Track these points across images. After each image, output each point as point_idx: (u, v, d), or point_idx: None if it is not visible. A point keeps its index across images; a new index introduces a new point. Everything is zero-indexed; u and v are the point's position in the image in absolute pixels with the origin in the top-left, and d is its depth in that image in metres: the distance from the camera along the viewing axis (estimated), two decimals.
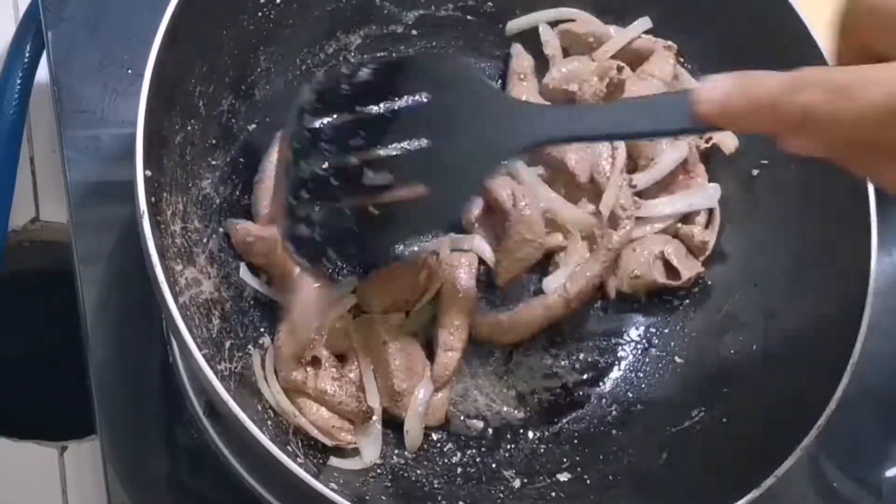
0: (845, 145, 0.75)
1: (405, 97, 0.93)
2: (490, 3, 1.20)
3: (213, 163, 1.06)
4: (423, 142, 0.92)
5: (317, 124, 0.92)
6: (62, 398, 1.32)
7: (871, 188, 1.02)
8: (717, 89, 0.78)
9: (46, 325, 1.45)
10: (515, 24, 1.22)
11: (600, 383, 1.14)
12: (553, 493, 1.05)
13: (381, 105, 0.93)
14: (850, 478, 1.20)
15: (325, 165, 0.92)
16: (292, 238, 0.93)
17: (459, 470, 1.06)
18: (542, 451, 1.09)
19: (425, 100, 0.93)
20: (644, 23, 1.19)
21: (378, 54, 1.17)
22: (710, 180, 1.18)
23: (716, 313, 1.15)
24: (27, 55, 1.26)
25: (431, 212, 0.93)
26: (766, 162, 1.13)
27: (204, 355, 0.87)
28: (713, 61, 1.14)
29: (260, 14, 1.08)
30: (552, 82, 1.18)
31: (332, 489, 0.86)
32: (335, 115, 0.92)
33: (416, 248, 0.93)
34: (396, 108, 0.93)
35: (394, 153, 0.92)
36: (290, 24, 1.11)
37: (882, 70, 0.70)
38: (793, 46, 1.06)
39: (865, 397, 1.17)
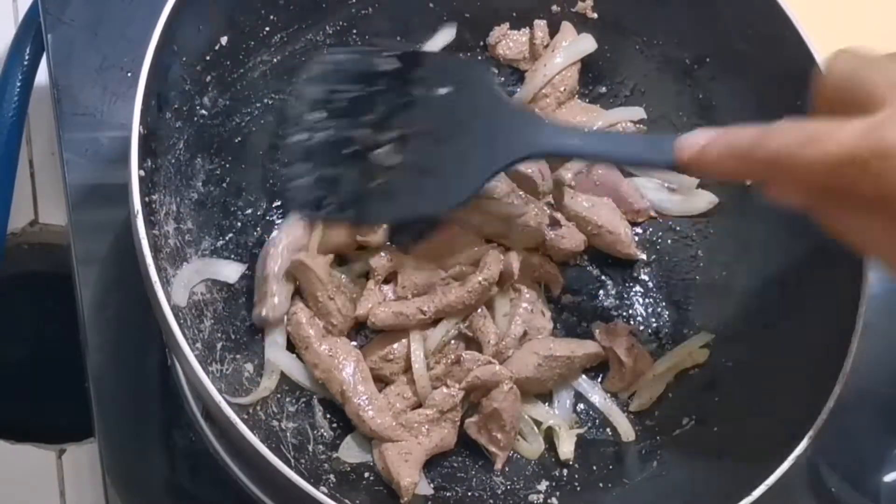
0: (818, 194, 0.80)
1: (422, 87, 1.01)
2: None
3: (208, 164, 1.06)
4: (434, 132, 1.00)
5: (331, 91, 1.01)
6: (60, 401, 1.32)
7: None
8: (698, 137, 0.86)
9: (45, 327, 1.45)
10: None
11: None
12: (542, 501, 1.05)
13: (397, 89, 1.01)
14: (848, 483, 1.19)
15: (335, 132, 1.00)
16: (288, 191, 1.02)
17: (446, 472, 1.06)
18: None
19: (440, 93, 1.01)
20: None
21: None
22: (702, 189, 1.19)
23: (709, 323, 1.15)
24: (27, 57, 1.25)
25: (429, 196, 1.00)
26: None
27: (196, 356, 0.87)
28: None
29: (256, 17, 1.08)
30: None
31: (323, 492, 0.86)
32: (351, 89, 1.01)
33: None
34: (413, 95, 1.01)
35: (403, 134, 1.00)
36: (289, 28, 1.12)
37: (847, 123, 0.76)
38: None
39: (863, 402, 1.16)
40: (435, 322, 1.07)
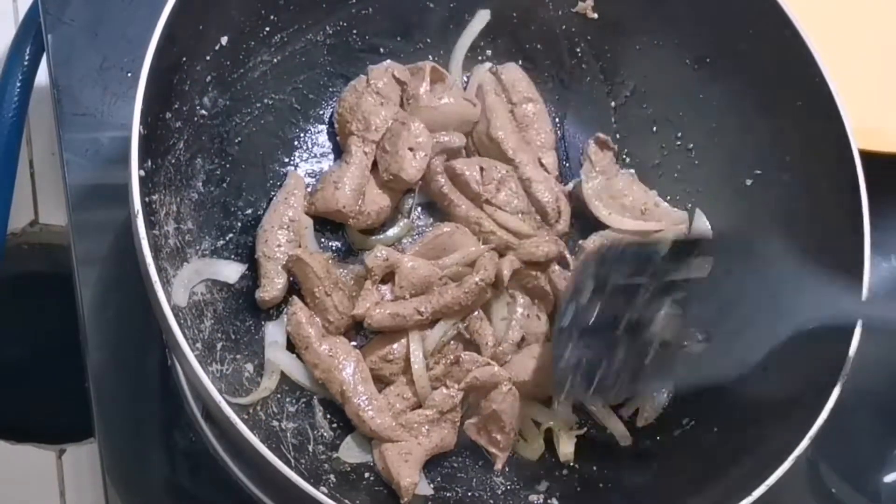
0: None
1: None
2: None
3: (208, 164, 1.06)
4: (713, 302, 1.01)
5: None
6: (60, 401, 1.32)
7: (864, 196, 1.01)
8: None
9: (45, 327, 1.45)
10: None
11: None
12: (542, 501, 1.05)
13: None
14: (848, 483, 1.19)
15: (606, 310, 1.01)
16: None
17: (446, 472, 1.06)
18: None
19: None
20: None
21: None
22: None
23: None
24: (27, 58, 1.26)
25: (710, 363, 1.00)
26: (759, 172, 1.13)
27: (196, 356, 0.87)
28: None
29: (257, 17, 1.08)
30: None
31: (323, 492, 0.86)
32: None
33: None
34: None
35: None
36: (289, 28, 1.12)
37: None
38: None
39: (863, 403, 1.16)
40: (433, 323, 1.07)
